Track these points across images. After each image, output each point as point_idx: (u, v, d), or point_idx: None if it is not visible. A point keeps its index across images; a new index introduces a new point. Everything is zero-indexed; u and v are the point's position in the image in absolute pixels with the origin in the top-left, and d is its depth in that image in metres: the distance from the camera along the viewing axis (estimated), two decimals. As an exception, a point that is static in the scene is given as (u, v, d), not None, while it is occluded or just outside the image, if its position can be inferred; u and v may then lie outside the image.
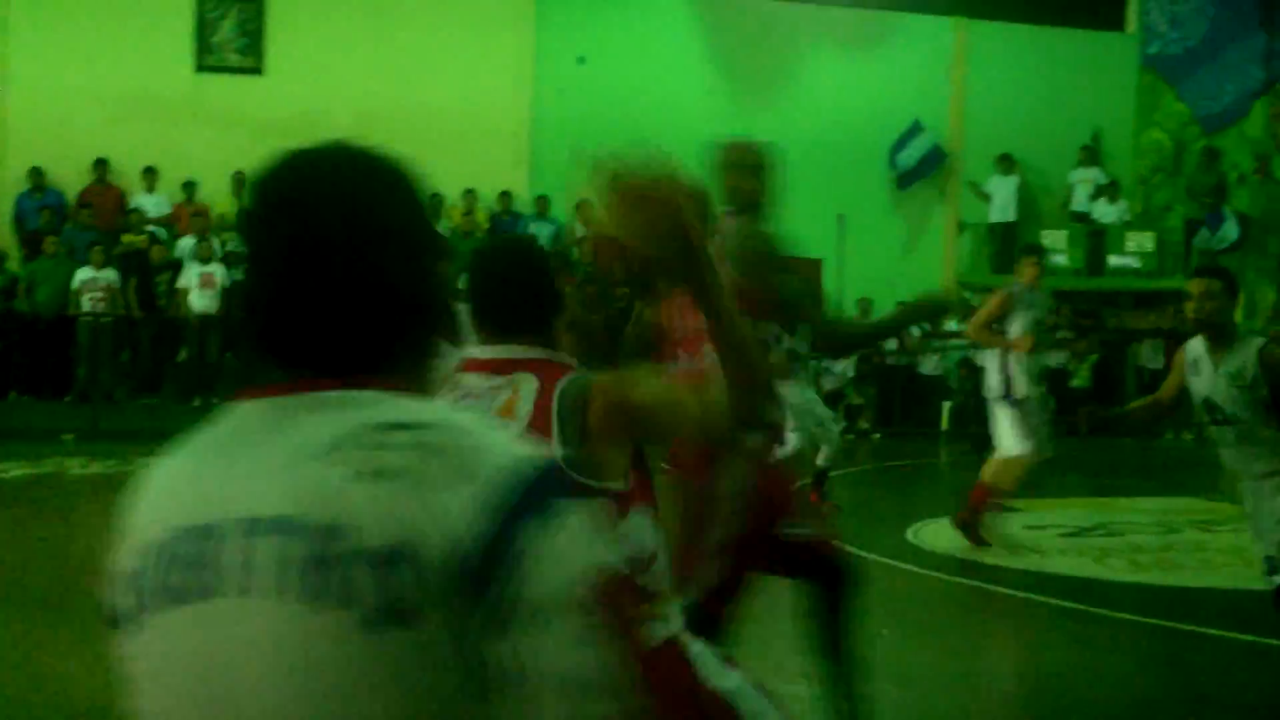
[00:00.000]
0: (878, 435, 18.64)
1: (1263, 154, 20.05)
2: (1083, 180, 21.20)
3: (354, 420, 1.34)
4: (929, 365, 19.49)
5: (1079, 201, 21.18)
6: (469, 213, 19.05)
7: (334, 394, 1.39)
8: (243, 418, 1.43)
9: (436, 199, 19.10)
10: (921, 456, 16.39)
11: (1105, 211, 20.87)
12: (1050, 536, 10.39)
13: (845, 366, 18.55)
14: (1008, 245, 20.77)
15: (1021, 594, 8.44)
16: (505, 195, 19.41)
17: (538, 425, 2.58)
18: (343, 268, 1.40)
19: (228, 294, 17.25)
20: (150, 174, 18.24)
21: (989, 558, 9.48)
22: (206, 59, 19.21)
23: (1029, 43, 21.97)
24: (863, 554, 9.69)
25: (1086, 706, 6.32)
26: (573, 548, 1.28)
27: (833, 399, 16.85)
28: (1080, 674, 6.94)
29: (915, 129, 21.04)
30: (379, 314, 1.42)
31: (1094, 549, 9.90)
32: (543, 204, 19.38)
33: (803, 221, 20.92)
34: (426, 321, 1.48)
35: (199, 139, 18.43)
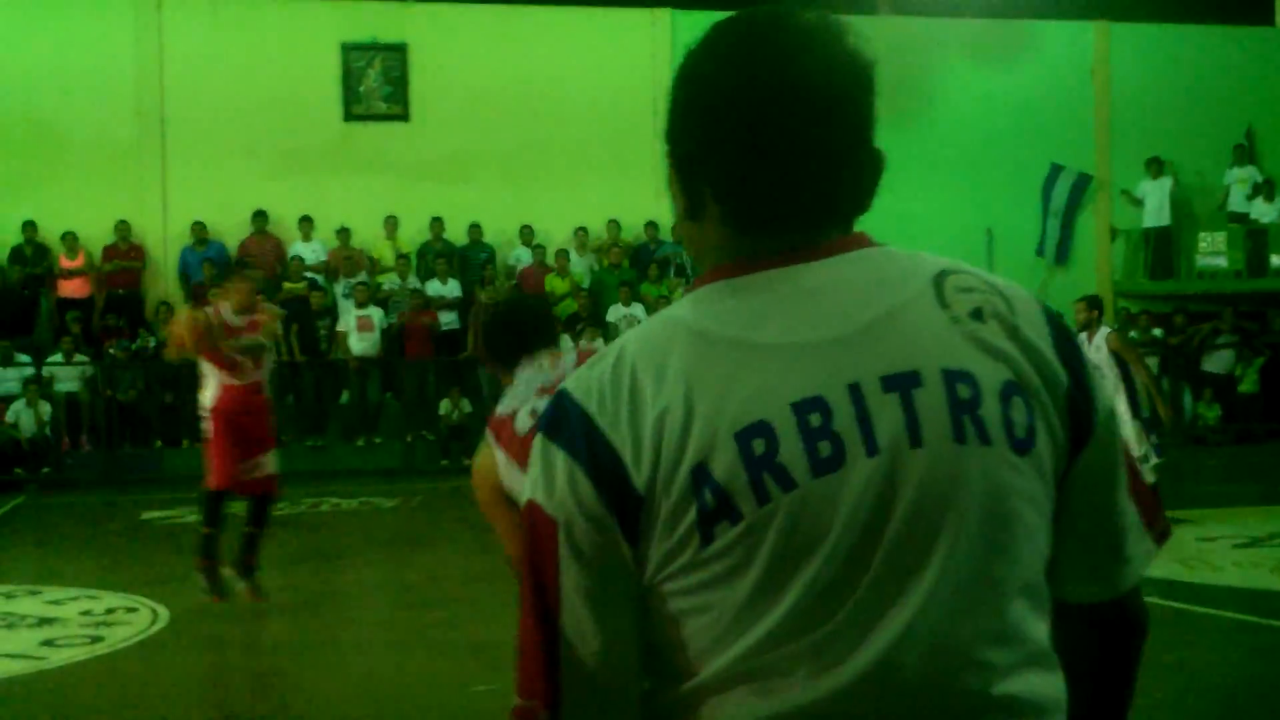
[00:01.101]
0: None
1: None
2: (1238, 180, 20.68)
3: (920, 266, 1.43)
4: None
5: (1236, 201, 20.66)
6: (615, 244, 19.23)
7: (865, 250, 1.43)
8: (777, 283, 1.39)
9: (582, 231, 19.36)
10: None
11: (1264, 210, 20.32)
12: (1223, 548, 10.15)
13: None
14: (1163, 250, 20.35)
15: (1198, 608, 8.26)
16: (651, 225, 19.56)
17: None
18: (858, 121, 1.43)
19: (385, 335, 17.67)
20: (306, 223, 18.76)
21: (1159, 571, 9.30)
22: (354, 108, 19.71)
23: (1173, 42, 21.53)
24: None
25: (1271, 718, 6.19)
26: (1091, 365, 1.47)
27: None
28: (1264, 686, 6.79)
29: (1055, 172, 20.77)
30: (871, 165, 1.45)
31: (1270, 559, 9.65)
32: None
33: (952, 236, 20.89)
34: (876, 183, 1.48)
35: (350, 186, 18.93)
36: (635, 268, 19.16)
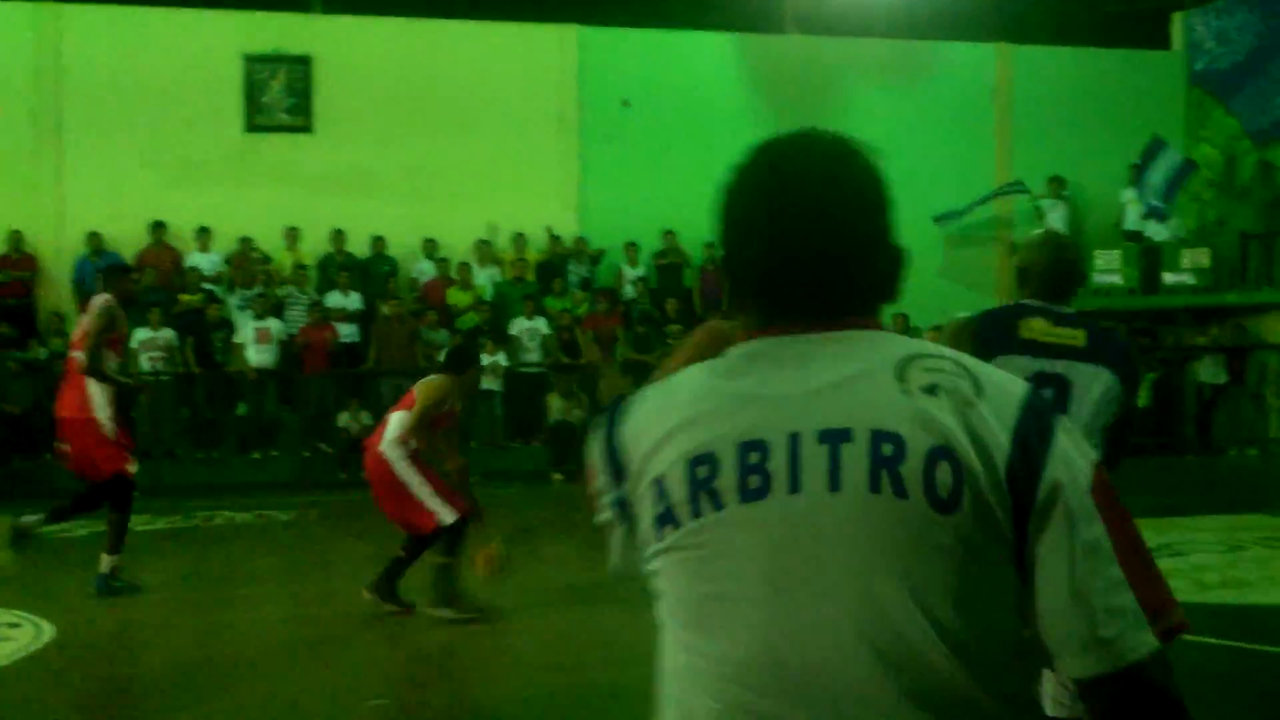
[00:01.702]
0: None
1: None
2: (1134, 199, 21.06)
3: (894, 348, 1.67)
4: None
5: (1131, 220, 21.04)
6: (520, 258, 19.17)
7: (860, 332, 1.69)
8: (764, 351, 1.71)
9: (485, 245, 19.29)
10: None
11: (1157, 230, 20.71)
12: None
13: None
14: (1060, 268, 20.67)
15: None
16: (555, 239, 19.53)
17: None
18: (869, 232, 1.72)
19: (284, 347, 17.45)
20: (204, 234, 18.49)
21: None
22: (256, 119, 19.49)
23: (1072, 64, 21.90)
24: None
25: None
26: (1076, 449, 1.63)
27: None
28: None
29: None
30: (878, 268, 1.73)
31: (1162, 570, 9.78)
32: (584, 243, 19.51)
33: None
34: (896, 277, 1.76)
35: (251, 197, 18.70)
36: (540, 281, 19.10)
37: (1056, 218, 20.55)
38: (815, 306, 1.69)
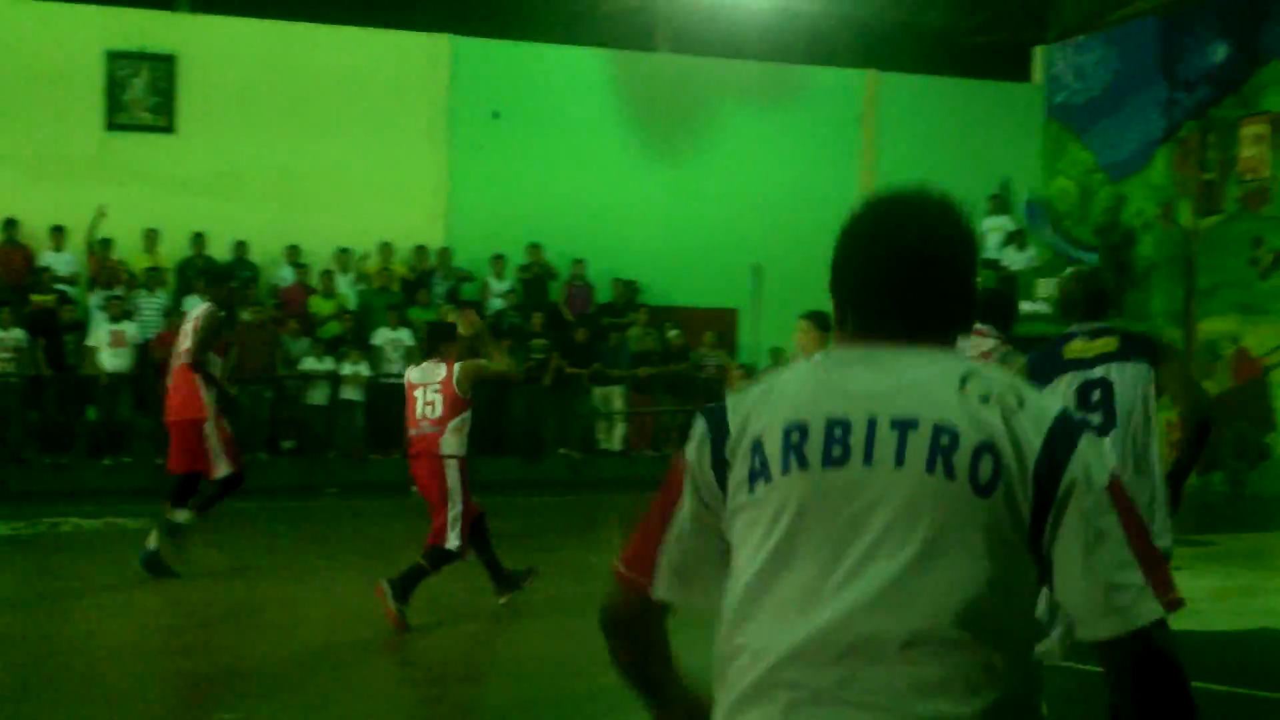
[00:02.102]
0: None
1: (1166, 201, 20.47)
2: (993, 228, 21.49)
3: (956, 364, 2.09)
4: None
5: (989, 249, 21.47)
6: (385, 268, 18.98)
7: (932, 349, 2.11)
8: (859, 355, 2.13)
9: (346, 253, 19.05)
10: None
11: (1015, 259, 21.18)
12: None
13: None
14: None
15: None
16: (421, 250, 19.35)
17: None
18: (946, 271, 2.15)
19: (140, 351, 17.03)
20: (59, 233, 17.99)
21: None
22: (117, 117, 19.04)
23: (937, 94, 22.31)
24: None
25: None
26: (1097, 459, 2.01)
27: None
28: None
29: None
30: (958, 301, 2.15)
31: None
32: (449, 255, 19.40)
33: (718, 274, 21.25)
34: (970, 312, 2.20)
35: (109, 197, 18.21)
36: (404, 292, 18.92)
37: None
38: (898, 325, 2.12)
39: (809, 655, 1.97)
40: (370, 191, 19.33)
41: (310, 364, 17.81)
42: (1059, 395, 5.07)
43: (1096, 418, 5.13)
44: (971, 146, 21.20)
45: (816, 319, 10.09)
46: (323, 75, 19.52)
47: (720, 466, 2.11)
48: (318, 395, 17.77)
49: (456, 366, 8.80)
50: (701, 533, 2.15)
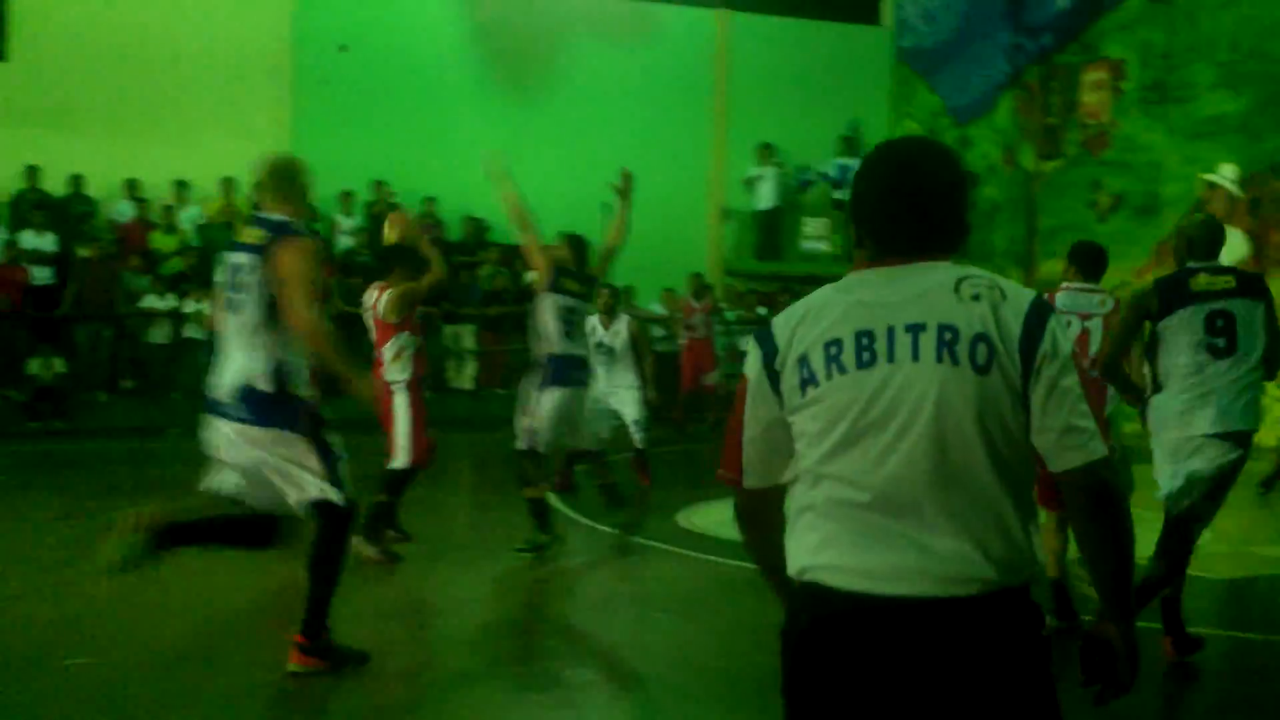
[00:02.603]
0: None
1: (1010, 144, 20.88)
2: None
3: (952, 272, 2.66)
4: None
5: (840, 190, 21.72)
6: (228, 204, 18.51)
7: (935, 263, 2.69)
8: (871, 275, 2.70)
9: (185, 187, 18.56)
10: (695, 441, 16.54)
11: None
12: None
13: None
14: (771, 233, 21.21)
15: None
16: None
17: None
18: (945, 201, 2.72)
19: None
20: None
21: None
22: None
23: (788, 35, 22.40)
24: (637, 540, 9.78)
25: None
26: (1060, 333, 2.64)
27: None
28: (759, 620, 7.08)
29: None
30: (955, 224, 2.73)
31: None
32: (306, 194, 18.91)
33: (569, 209, 21.11)
34: (962, 236, 2.74)
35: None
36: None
37: (766, 185, 21.05)
38: (907, 246, 2.69)
39: (868, 504, 2.61)
40: (211, 124, 18.83)
41: (152, 301, 17.34)
42: (1189, 322, 6.16)
43: (1221, 342, 6.13)
44: (822, 88, 21.34)
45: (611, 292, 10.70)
46: (163, 4, 18.90)
47: (774, 378, 2.70)
48: (159, 334, 17.34)
49: (385, 294, 8.74)
50: (767, 432, 2.74)
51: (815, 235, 21.04)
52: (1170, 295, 6.24)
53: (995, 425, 2.56)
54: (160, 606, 7.41)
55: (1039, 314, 2.60)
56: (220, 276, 6.13)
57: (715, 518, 10.19)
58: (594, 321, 10.75)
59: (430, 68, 19.88)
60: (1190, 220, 6.62)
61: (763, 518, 2.84)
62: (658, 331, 16.83)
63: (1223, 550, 9.14)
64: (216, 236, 18.14)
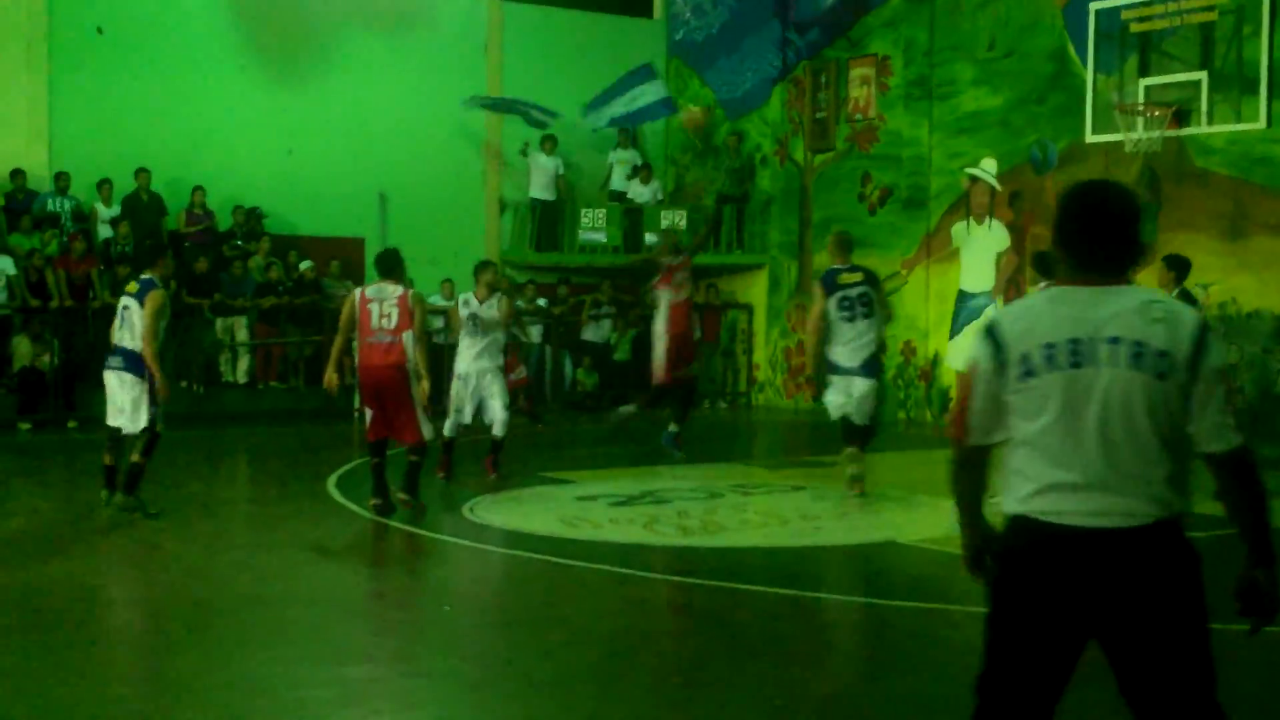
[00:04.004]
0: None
1: (782, 136, 21.25)
2: (620, 161, 21.84)
3: (1140, 297, 3.49)
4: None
5: (616, 181, 21.81)
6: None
7: (1124, 286, 3.52)
8: (1076, 293, 3.51)
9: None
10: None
11: (640, 191, 21.57)
12: (601, 507, 10.64)
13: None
14: (549, 223, 21.17)
15: (580, 563, 8.59)
16: (18, 173, 17.93)
17: None
18: (1128, 231, 3.54)
19: None
20: None
21: (543, 529, 9.62)
22: None
23: (562, 26, 22.34)
24: (423, 533, 9.66)
25: (644, 666, 6.50)
26: (1216, 348, 3.46)
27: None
28: (636, 636, 7.14)
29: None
30: (1135, 251, 3.55)
31: (644, 516, 10.20)
32: (63, 180, 18.05)
33: (343, 202, 20.72)
34: (1143, 251, 4.21)
35: None
36: (7, 218, 17.60)
37: (542, 175, 20.98)
38: (1102, 269, 3.51)
39: (1067, 465, 3.45)
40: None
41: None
42: None
43: None
44: (597, 79, 21.30)
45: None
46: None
47: (1000, 367, 3.52)
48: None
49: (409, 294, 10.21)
50: (989, 405, 3.57)
51: (593, 226, 21.07)
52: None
53: (1163, 415, 3.40)
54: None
55: (1203, 334, 3.43)
56: None
57: (500, 510, 10.13)
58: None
59: (192, 50, 19.17)
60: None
61: (973, 468, 3.70)
62: (436, 323, 16.53)
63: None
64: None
